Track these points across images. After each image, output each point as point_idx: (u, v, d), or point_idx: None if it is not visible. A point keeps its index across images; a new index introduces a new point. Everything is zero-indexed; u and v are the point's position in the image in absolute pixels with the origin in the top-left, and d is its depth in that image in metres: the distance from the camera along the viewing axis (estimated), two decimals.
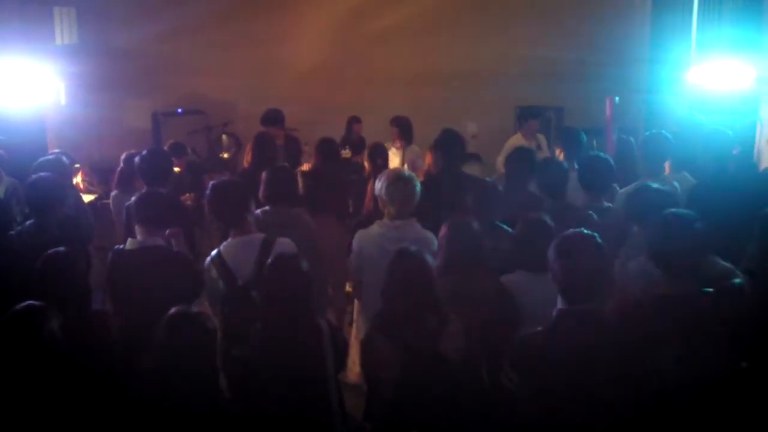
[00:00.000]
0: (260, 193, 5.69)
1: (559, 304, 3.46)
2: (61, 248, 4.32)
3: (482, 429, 3.99)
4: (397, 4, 12.22)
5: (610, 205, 5.61)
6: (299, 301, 4.09)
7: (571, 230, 3.57)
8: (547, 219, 4.64)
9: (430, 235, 5.11)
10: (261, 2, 12.49)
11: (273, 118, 8.53)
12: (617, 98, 7.83)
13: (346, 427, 4.31)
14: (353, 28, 12.56)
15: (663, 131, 6.31)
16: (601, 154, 6.21)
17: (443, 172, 6.30)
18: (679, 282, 3.64)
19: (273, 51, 12.45)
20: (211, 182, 5.17)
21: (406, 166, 8.60)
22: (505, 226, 5.22)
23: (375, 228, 5.23)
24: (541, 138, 9.17)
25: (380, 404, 4.08)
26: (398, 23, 12.40)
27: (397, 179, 5.23)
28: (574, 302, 3.41)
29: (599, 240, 3.52)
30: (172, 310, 3.60)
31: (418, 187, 5.25)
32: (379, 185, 5.29)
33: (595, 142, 8.71)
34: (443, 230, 4.66)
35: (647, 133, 6.43)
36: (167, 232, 4.98)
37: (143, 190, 5.07)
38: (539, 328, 3.49)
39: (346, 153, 9.53)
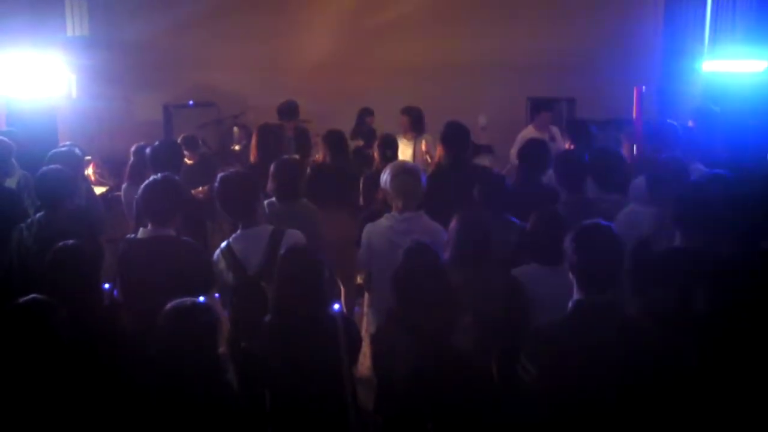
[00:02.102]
0: (268, 186, 5.68)
1: (576, 294, 3.45)
2: (71, 240, 4.31)
3: (495, 421, 3.98)
4: None
5: (621, 197, 5.58)
6: (312, 292, 4.08)
7: (589, 221, 3.56)
8: (561, 212, 4.62)
9: (438, 227, 5.09)
10: None
11: (288, 110, 8.57)
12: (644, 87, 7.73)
13: (358, 420, 4.30)
14: (364, 19, 12.54)
15: (670, 120, 6.25)
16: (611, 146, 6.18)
17: (451, 165, 6.29)
18: (695, 238, 4.12)
19: (284, 43, 12.44)
20: (220, 174, 5.16)
21: (425, 151, 8.58)
22: (514, 219, 5.19)
23: (383, 221, 5.21)
24: (555, 130, 9.12)
25: (392, 397, 4.07)
26: (409, 14, 12.38)
27: (402, 172, 5.21)
28: (591, 293, 3.40)
29: (615, 231, 3.52)
30: (170, 303, 3.59)
31: (424, 179, 5.23)
32: (384, 178, 5.28)
33: (609, 133, 8.66)
34: (453, 223, 4.64)
35: (659, 122, 6.39)
36: None
37: (148, 180, 5.02)
38: (556, 319, 3.48)
39: (358, 142, 9.51)
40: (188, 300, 3.61)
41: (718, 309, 3.72)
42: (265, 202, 5.60)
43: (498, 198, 5.24)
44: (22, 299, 3.63)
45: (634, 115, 7.39)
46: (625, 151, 6.41)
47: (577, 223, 3.61)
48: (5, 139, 6.45)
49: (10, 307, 3.61)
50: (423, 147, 8.69)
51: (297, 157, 7.38)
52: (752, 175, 5.54)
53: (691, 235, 4.25)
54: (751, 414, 3.56)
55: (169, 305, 3.58)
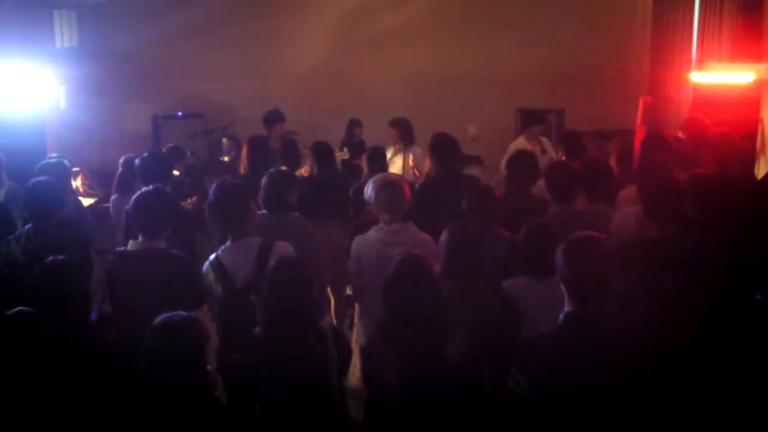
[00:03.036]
0: (259, 198, 5.67)
1: (567, 306, 3.45)
2: (60, 256, 4.26)
3: None
4: (398, 7, 12.22)
5: (609, 208, 5.59)
6: (302, 305, 4.07)
7: (580, 233, 3.57)
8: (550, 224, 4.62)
9: (428, 238, 5.09)
10: (261, 5, 12.49)
11: (273, 117, 8.62)
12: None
13: None
14: (353, 30, 12.56)
15: (660, 134, 6.29)
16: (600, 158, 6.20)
17: (439, 176, 6.30)
18: (664, 228, 4.70)
19: (273, 54, 12.44)
20: (216, 183, 5.14)
21: (412, 166, 8.58)
22: (502, 230, 5.19)
23: (372, 233, 5.21)
24: (545, 141, 9.15)
25: (382, 409, 4.06)
26: (398, 26, 12.40)
27: (384, 186, 5.21)
28: (582, 304, 3.40)
29: (605, 243, 3.52)
30: (158, 318, 3.54)
31: (407, 190, 5.23)
32: (368, 192, 5.28)
33: (596, 145, 8.68)
34: (444, 235, 4.63)
35: (646, 136, 6.42)
36: None
37: (138, 192, 5.00)
38: (547, 331, 3.47)
39: (342, 154, 9.51)
40: (177, 314, 3.57)
41: (683, 291, 3.90)
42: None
43: (487, 209, 5.24)
44: (8, 312, 3.61)
45: (638, 124, 7.42)
46: (613, 163, 6.42)
47: (566, 235, 3.62)
48: None
49: None
50: (410, 162, 8.68)
51: (285, 168, 7.38)
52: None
53: (660, 226, 4.77)
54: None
55: (158, 319, 3.54)
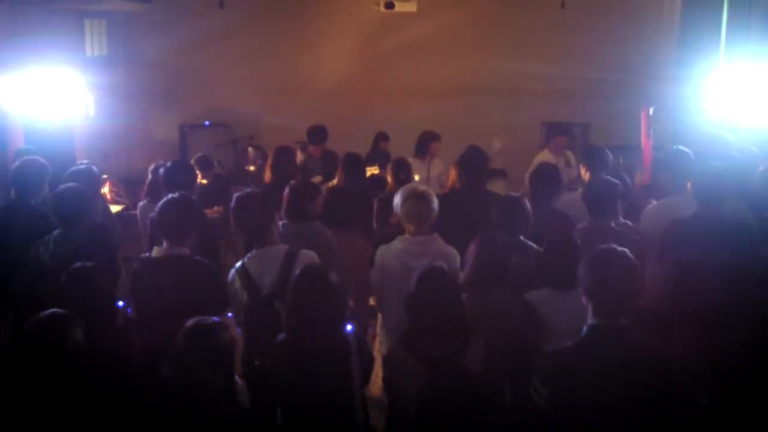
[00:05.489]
0: (282, 209, 5.71)
1: (590, 319, 3.46)
2: (88, 263, 4.32)
3: None
4: (422, 20, 12.25)
5: (628, 222, 5.57)
6: (325, 313, 4.10)
7: (604, 246, 3.58)
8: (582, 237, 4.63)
9: (452, 250, 5.09)
10: (287, 17, 12.58)
11: (317, 134, 8.82)
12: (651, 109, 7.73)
13: None
14: (378, 43, 12.61)
15: (684, 149, 6.25)
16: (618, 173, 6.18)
17: (466, 189, 6.30)
18: (708, 208, 5.17)
19: (299, 65, 12.53)
20: (236, 194, 5.20)
21: (439, 175, 8.62)
22: (530, 242, 5.19)
23: (397, 243, 5.22)
24: (570, 155, 9.14)
25: (402, 418, 4.07)
26: (423, 39, 12.43)
27: (412, 197, 5.21)
28: (605, 317, 3.42)
29: (631, 256, 3.53)
30: (189, 322, 3.58)
31: (435, 202, 5.24)
32: (396, 202, 5.29)
33: (621, 159, 8.67)
34: (472, 245, 4.65)
35: (672, 149, 6.39)
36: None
37: (164, 199, 5.05)
38: (569, 343, 3.49)
39: (373, 169, 9.55)
40: (208, 318, 3.61)
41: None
42: (280, 222, 5.63)
43: (515, 221, 5.23)
44: (42, 313, 3.66)
45: (643, 138, 7.42)
46: (638, 179, 6.40)
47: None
48: (43, 160, 6.42)
49: (31, 321, 3.64)
50: (438, 171, 8.73)
51: (319, 178, 7.44)
52: None
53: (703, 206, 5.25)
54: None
55: (189, 323, 3.58)
